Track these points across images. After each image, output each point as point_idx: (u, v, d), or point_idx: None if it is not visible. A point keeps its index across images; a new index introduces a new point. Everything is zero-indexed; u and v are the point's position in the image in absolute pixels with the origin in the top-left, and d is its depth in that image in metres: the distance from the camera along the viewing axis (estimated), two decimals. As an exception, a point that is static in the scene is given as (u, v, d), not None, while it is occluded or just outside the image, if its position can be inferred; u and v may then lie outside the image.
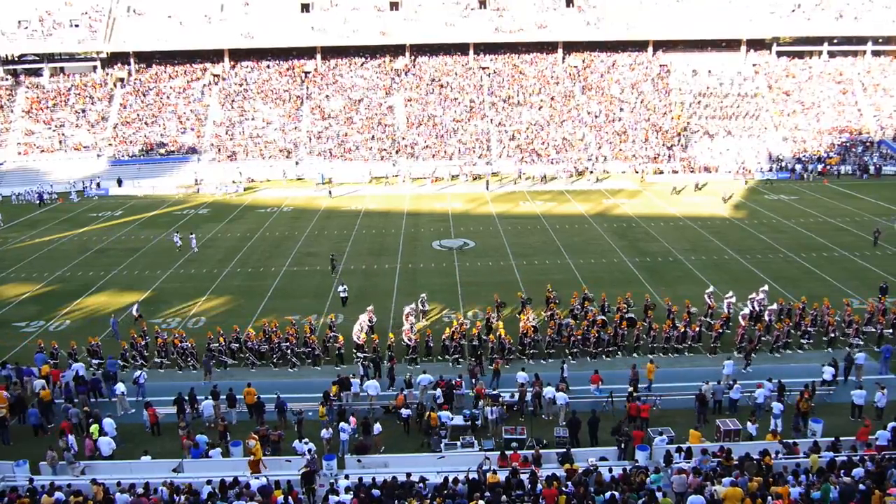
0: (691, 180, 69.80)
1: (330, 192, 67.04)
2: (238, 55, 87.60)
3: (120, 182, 70.13)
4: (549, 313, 34.08)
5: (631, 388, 26.98)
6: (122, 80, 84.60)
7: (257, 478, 21.08)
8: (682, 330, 31.75)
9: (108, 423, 25.10)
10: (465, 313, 36.88)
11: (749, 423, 24.59)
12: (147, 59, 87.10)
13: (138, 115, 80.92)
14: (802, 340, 32.24)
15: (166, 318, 37.03)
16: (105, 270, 45.22)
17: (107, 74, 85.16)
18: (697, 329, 32.09)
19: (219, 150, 76.96)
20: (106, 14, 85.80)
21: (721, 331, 31.93)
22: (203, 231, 53.94)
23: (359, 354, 31.57)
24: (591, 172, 72.80)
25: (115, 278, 43.94)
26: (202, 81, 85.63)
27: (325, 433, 24.32)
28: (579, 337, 31.56)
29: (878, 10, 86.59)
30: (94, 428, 24.67)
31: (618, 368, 30.00)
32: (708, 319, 34.15)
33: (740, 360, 30.28)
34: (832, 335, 32.09)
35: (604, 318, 33.42)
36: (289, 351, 31.40)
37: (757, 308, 34.44)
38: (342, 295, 38.22)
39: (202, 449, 23.65)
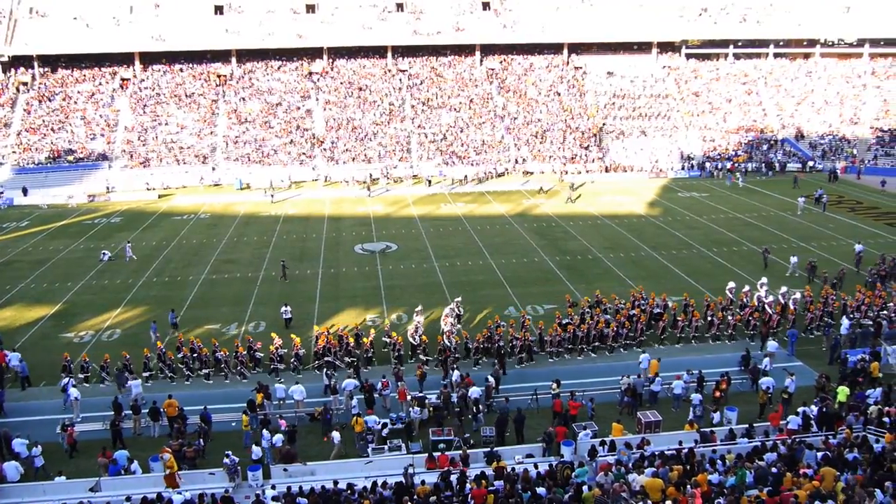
0: (613, 180, 71.89)
1: (272, 197, 65.77)
2: (149, 58, 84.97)
3: (25, 191, 67.03)
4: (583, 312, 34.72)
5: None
6: (25, 84, 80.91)
7: (180, 493, 20.52)
8: (722, 317, 33.83)
9: (19, 443, 23.92)
10: (388, 316, 36.80)
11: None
12: (52, 62, 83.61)
13: (44, 120, 77.57)
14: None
15: (79, 332, 35.66)
16: (11, 284, 43.15)
17: (8, 78, 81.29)
18: (736, 321, 33.82)
19: (131, 156, 74.52)
20: (6, 15, 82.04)
21: (754, 320, 33.52)
22: (116, 241, 52.15)
23: (421, 357, 31.39)
24: (472, 179, 72.36)
25: (22, 292, 41.99)
26: (112, 85, 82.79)
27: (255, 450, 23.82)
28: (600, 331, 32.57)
29: (779, 14, 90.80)
30: None
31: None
32: (737, 310, 35.12)
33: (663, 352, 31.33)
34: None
35: (632, 313, 34.08)
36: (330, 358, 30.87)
37: (780, 299, 35.64)
38: (285, 317, 35.90)
39: (121, 465, 22.84)
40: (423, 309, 34.91)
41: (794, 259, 42.20)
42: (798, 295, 35.74)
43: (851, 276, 40.45)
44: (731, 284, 37.51)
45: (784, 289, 36.54)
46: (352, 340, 31.41)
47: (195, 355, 30.63)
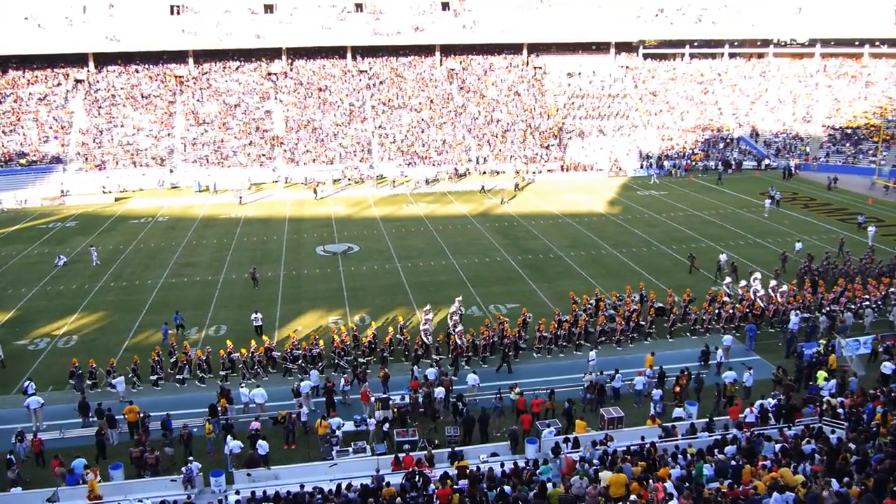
0: (569, 180, 72.46)
1: (240, 199, 64.87)
2: (104, 59, 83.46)
3: (-24, 195, 65.43)
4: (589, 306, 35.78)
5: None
6: (-26, 86, 79.06)
7: (141, 500, 20.19)
8: (732, 310, 34.47)
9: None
10: (351, 317, 36.65)
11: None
12: (3, 63, 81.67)
13: (-6, 123, 75.87)
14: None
15: (34, 339, 34.87)
16: (-38, 291, 42.15)
17: (-43, 80, 79.34)
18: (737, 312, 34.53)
19: (86, 159, 73.10)
20: (-47, 16, 79.98)
21: (753, 311, 34.47)
22: (71, 245, 51.13)
23: (434, 357, 31.22)
24: (434, 179, 72.47)
25: (-26, 299, 41.04)
26: (65, 87, 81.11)
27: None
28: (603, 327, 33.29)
29: (733, 15, 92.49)
30: None
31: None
32: (737, 303, 35.76)
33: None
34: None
35: (634, 308, 34.68)
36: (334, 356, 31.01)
37: (770, 293, 36.59)
38: (256, 324, 35.16)
39: (78, 475, 22.36)
40: (431, 308, 34.91)
41: (722, 257, 42.96)
42: (785, 288, 36.65)
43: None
44: (728, 280, 38.64)
45: (773, 283, 37.48)
46: (365, 341, 31.37)
47: (206, 359, 30.38)
